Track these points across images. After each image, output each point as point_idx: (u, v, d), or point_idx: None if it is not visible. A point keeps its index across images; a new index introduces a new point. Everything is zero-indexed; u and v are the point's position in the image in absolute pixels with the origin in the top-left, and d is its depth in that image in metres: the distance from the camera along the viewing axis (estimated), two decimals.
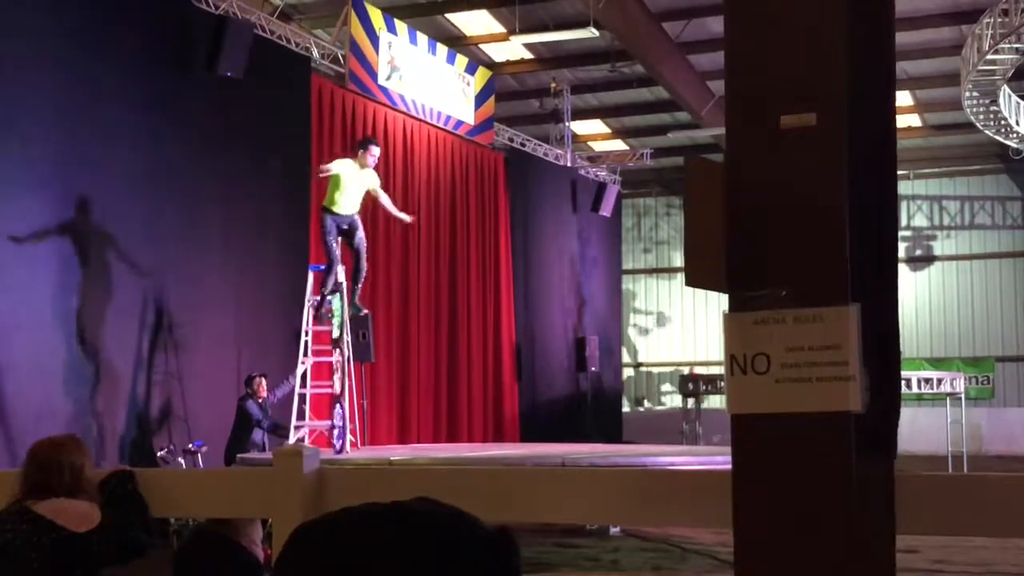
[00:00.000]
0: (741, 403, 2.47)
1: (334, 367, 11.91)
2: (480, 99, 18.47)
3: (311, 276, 12.90)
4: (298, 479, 3.15)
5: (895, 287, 2.60)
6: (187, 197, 12.15)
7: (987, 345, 26.44)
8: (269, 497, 3.26)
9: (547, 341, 20.38)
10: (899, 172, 2.76)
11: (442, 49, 17.51)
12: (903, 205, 26.42)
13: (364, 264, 11.93)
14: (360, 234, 11.69)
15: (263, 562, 3.58)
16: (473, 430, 17.88)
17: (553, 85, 21.09)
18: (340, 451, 11.31)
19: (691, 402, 20.92)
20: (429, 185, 17.12)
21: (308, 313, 12.68)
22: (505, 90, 21.20)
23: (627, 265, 27.15)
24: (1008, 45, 17.12)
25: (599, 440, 18.50)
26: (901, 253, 24.94)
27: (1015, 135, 20.78)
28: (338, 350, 11.90)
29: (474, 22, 19.34)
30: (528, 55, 20.70)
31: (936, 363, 25.26)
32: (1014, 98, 19.98)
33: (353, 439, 12.10)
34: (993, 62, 17.71)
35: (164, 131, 11.84)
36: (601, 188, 22.45)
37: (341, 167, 11.41)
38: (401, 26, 16.40)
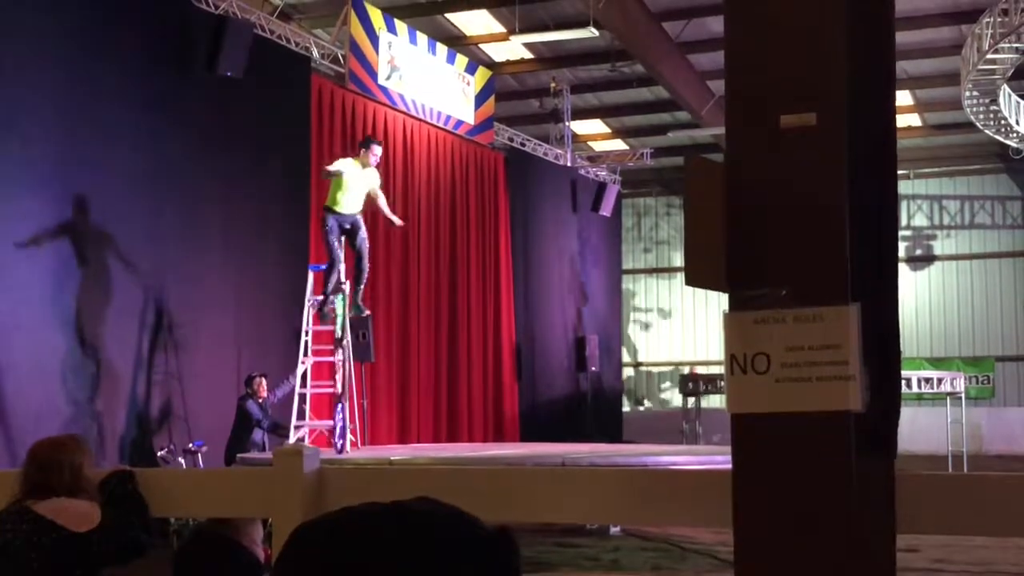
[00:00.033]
0: (741, 402, 2.47)
1: (336, 367, 11.89)
2: (480, 99, 18.47)
3: (311, 276, 12.89)
4: (298, 479, 3.15)
5: (895, 287, 2.60)
6: (187, 197, 12.15)
7: (987, 345, 26.44)
8: (269, 497, 3.26)
9: (547, 341, 20.38)
10: (899, 172, 2.76)
11: (442, 49, 17.51)
12: (903, 205, 26.42)
13: (366, 265, 11.88)
14: (363, 234, 11.64)
15: (264, 562, 3.58)
16: (473, 430, 17.88)
17: (553, 85, 21.08)
18: (341, 451, 11.30)
19: (691, 402, 20.92)
20: (429, 185, 17.12)
21: (308, 313, 12.67)
22: (505, 90, 21.20)
23: (627, 265, 27.15)
24: (1008, 44, 17.12)
25: (599, 440, 18.50)
26: (901, 253, 24.94)
27: (1015, 135, 20.77)
28: (340, 350, 11.88)
29: (474, 22, 19.34)
30: (528, 55, 20.70)
31: (936, 363, 25.26)
32: (1014, 97, 19.98)
33: (353, 439, 12.10)
34: (993, 61, 17.71)
35: (164, 131, 11.84)
36: (601, 188, 22.45)
37: (344, 167, 11.38)
38: (401, 26, 16.40)
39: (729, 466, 2.52)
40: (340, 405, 11.63)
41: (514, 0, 17.50)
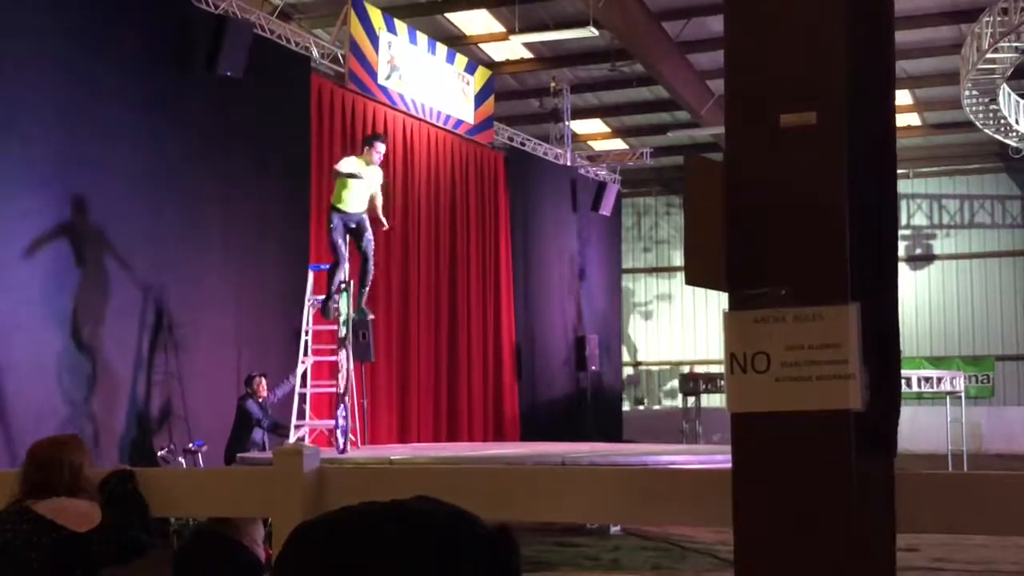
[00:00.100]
0: (741, 402, 2.47)
1: (339, 366, 11.85)
2: (480, 98, 18.47)
3: (311, 276, 12.90)
4: (298, 478, 3.15)
5: (895, 286, 2.60)
6: (187, 197, 12.14)
7: (987, 344, 26.45)
8: (269, 496, 3.26)
9: (547, 340, 20.38)
10: (899, 171, 2.76)
11: (442, 48, 17.51)
12: (903, 204, 26.43)
13: (371, 267, 11.82)
14: (368, 236, 11.57)
15: (264, 562, 3.58)
16: (473, 429, 17.88)
17: (553, 84, 21.08)
18: (343, 450, 11.29)
19: (691, 401, 20.92)
20: (429, 184, 17.12)
21: (308, 313, 12.68)
22: (505, 89, 21.20)
23: (627, 264, 27.15)
24: (1008, 44, 17.12)
25: (599, 439, 18.49)
26: (901, 252, 24.95)
27: (1015, 134, 20.77)
28: (343, 349, 11.84)
29: (474, 21, 19.34)
30: (528, 54, 20.70)
31: (936, 362, 25.27)
32: (1013, 97, 19.98)
33: (353, 438, 12.09)
34: (993, 61, 17.71)
35: (164, 131, 11.84)
36: (601, 187, 22.45)
37: (354, 167, 11.34)
38: (401, 26, 16.40)
39: (729, 465, 2.52)
40: (342, 405, 11.62)
41: (514, 0, 17.50)
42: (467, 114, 18.12)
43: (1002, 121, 20.29)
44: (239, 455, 11.18)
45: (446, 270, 17.55)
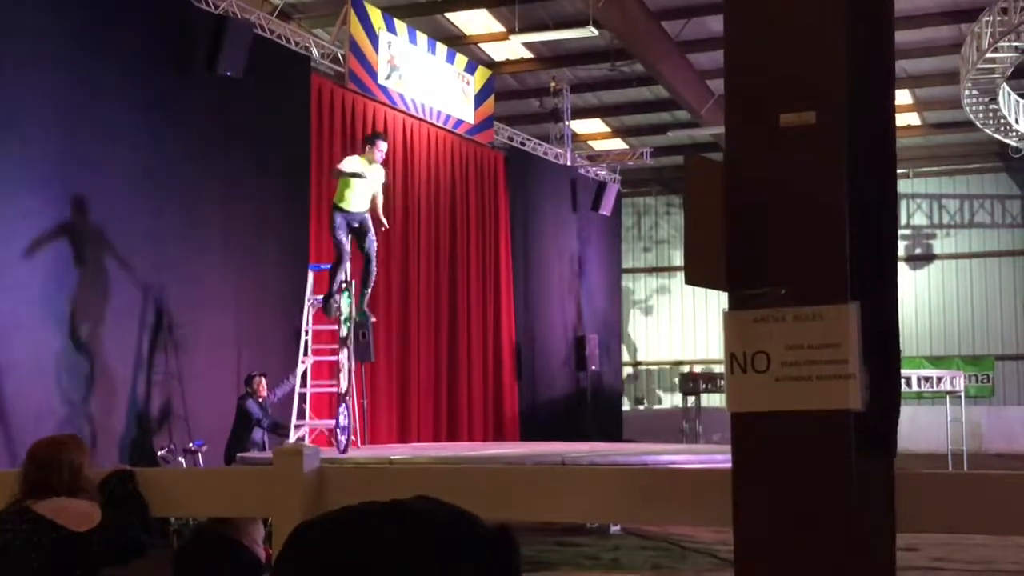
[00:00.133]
0: (741, 401, 2.47)
1: (340, 366, 11.79)
2: (480, 98, 18.47)
3: (311, 276, 12.90)
4: (298, 478, 3.15)
5: (895, 286, 2.60)
6: (187, 197, 12.14)
7: (987, 343, 26.45)
8: (269, 496, 3.26)
9: (547, 340, 20.38)
10: (898, 170, 2.76)
11: (442, 48, 17.51)
12: (902, 203, 26.42)
13: (374, 268, 11.73)
14: (371, 236, 11.46)
15: (264, 561, 3.58)
16: (473, 429, 17.88)
17: (552, 84, 21.07)
18: (344, 450, 11.26)
19: (691, 400, 20.92)
20: (429, 184, 17.12)
21: (308, 312, 12.67)
22: (505, 89, 21.20)
23: (627, 264, 27.14)
24: (1007, 43, 17.12)
25: (599, 439, 18.49)
26: (901, 252, 24.96)
27: (1014, 133, 20.77)
28: (345, 349, 11.77)
29: (474, 21, 19.34)
30: (528, 54, 20.70)
31: (936, 361, 25.27)
32: (1013, 96, 19.98)
33: (353, 438, 12.08)
34: (992, 60, 17.71)
35: (164, 131, 11.84)
36: (601, 187, 22.44)
37: (356, 166, 11.29)
38: (401, 25, 16.40)
39: (729, 465, 2.52)
40: (344, 404, 11.57)
41: (513, 0, 17.50)
42: (467, 114, 18.12)
43: (1002, 121, 20.29)
44: (239, 455, 11.18)
45: (446, 270, 17.55)
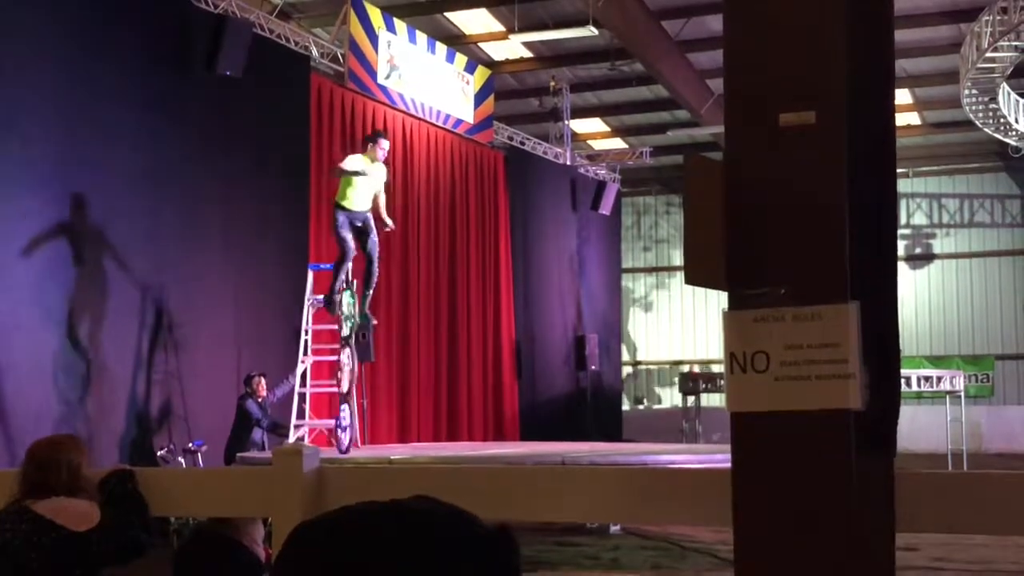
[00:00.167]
0: (741, 401, 2.47)
1: (341, 365, 11.68)
2: (479, 98, 18.47)
3: (311, 275, 12.90)
4: (298, 478, 3.15)
5: (894, 285, 2.60)
6: (187, 197, 12.14)
7: (987, 343, 26.45)
8: (269, 496, 3.26)
9: (547, 340, 20.38)
10: (898, 170, 2.76)
11: (441, 48, 17.51)
12: (902, 203, 26.43)
13: (376, 269, 11.61)
14: (374, 237, 11.37)
15: (264, 561, 3.58)
16: (473, 429, 17.88)
17: (552, 83, 21.07)
18: (346, 450, 11.23)
19: (691, 400, 20.93)
20: (428, 184, 17.12)
21: (308, 312, 12.66)
22: (504, 89, 21.19)
23: (627, 263, 27.14)
24: (1007, 43, 17.12)
25: (599, 439, 18.49)
26: (900, 251, 24.96)
27: (1014, 133, 20.77)
28: (347, 349, 11.65)
29: (473, 21, 19.34)
30: (527, 53, 20.69)
31: (936, 361, 25.27)
32: (1013, 96, 19.98)
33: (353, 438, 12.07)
34: (992, 60, 17.71)
35: (164, 130, 11.84)
36: (601, 186, 22.44)
37: (358, 165, 11.24)
38: (400, 25, 16.40)
39: (729, 465, 2.52)
40: (347, 404, 11.49)
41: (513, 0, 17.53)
42: (467, 113, 18.12)
43: (1002, 120, 20.28)
44: (239, 455, 11.18)
45: (446, 269, 17.55)
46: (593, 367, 21.42)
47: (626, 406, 26.59)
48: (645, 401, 28.69)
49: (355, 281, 11.78)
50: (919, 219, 27.20)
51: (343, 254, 11.42)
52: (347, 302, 11.58)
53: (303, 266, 13.25)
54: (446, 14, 18.84)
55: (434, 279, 17.21)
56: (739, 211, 2.48)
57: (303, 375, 12.60)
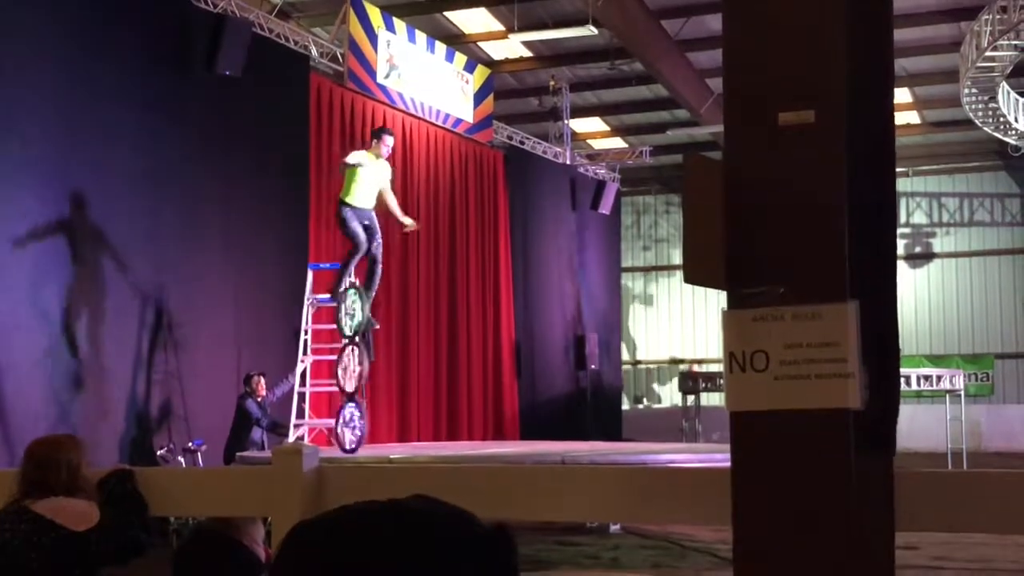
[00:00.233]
0: (740, 400, 2.47)
1: (345, 364, 11.43)
2: (479, 97, 18.47)
3: (310, 275, 12.89)
4: (297, 477, 3.15)
5: (894, 284, 2.60)
6: (187, 196, 12.14)
7: (986, 342, 26.45)
8: (268, 496, 3.26)
9: (547, 339, 20.38)
10: (898, 169, 2.76)
11: (441, 47, 17.51)
12: (902, 202, 26.43)
13: (380, 270, 11.43)
14: (379, 239, 11.23)
15: (264, 561, 3.57)
16: (473, 428, 17.88)
17: (552, 83, 21.07)
18: (353, 449, 11.13)
19: (691, 399, 20.93)
20: (428, 183, 17.12)
21: (308, 312, 12.65)
22: (504, 88, 21.19)
23: (626, 263, 27.14)
24: (1007, 42, 17.12)
25: (599, 438, 18.50)
26: (900, 250, 24.96)
27: (1014, 132, 20.77)
28: (354, 349, 11.39)
29: (473, 20, 19.33)
30: (527, 53, 20.69)
31: (935, 360, 25.27)
32: (1013, 95, 19.97)
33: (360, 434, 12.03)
34: (992, 59, 17.71)
35: (163, 130, 11.84)
36: (600, 186, 22.44)
37: (361, 158, 11.15)
38: (400, 24, 16.39)
39: (728, 464, 2.52)
40: (354, 403, 11.34)
41: None
42: (466, 113, 18.12)
43: (1001, 119, 20.28)
44: (238, 454, 11.17)
45: (445, 269, 17.55)
46: (593, 366, 21.42)
47: (626, 405, 26.59)
48: (645, 400, 28.70)
49: (357, 280, 11.74)
50: (919, 218, 27.21)
51: (355, 247, 11.16)
52: (354, 302, 11.39)
53: (303, 266, 13.25)
54: (445, 13, 18.84)
55: (434, 278, 17.21)
56: (738, 210, 2.48)
57: (303, 374, 12.59)
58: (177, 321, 11.94)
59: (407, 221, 11.83)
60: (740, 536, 2.48)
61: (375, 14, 15.69)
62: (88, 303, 11.04)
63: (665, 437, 19.24)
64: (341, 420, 11.32)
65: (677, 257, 27.20)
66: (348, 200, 11.05)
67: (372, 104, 15.78)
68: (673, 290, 28.41)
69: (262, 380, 11.78)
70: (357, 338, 11.36)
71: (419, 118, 16.87)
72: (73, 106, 10.85)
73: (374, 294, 11.69)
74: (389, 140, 11.34)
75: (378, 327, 12.39)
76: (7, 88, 10.20)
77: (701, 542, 10.23)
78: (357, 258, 11.24)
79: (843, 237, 2.38)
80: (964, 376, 19.45)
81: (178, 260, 11.99)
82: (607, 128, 25.24)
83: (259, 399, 11.70)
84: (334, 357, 11.88)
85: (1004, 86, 19.23)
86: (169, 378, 11.85)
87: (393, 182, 11.77)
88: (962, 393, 18.43)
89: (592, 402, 21.47)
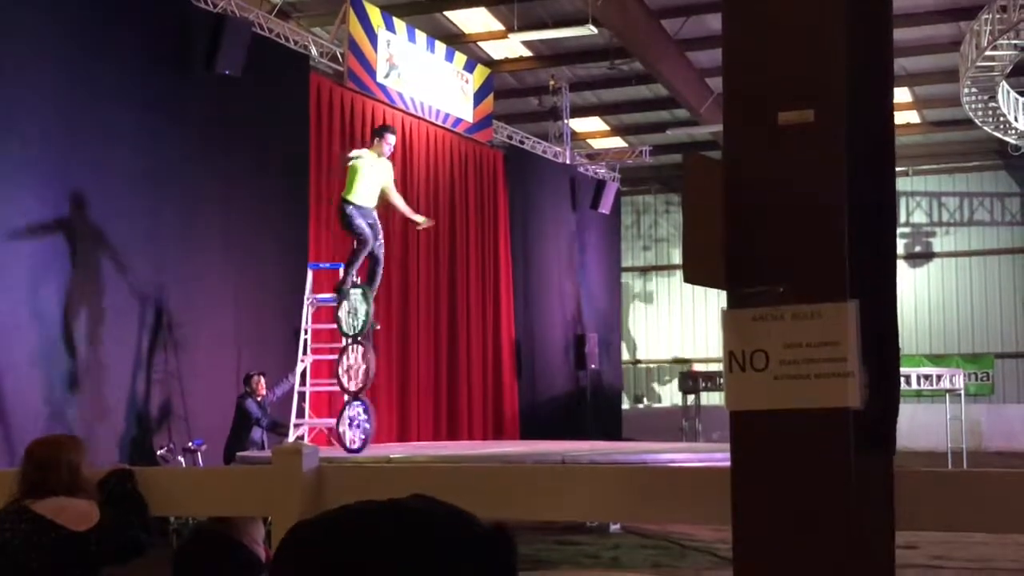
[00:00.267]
0: (740, 400, 2.47)
1: (350, 364, 11.33)
2: (479, 97, 18.47)
3: (310, 274, 12.89)
4: (297, 477, 3.15)
5: (894, 284, 2.60)
6: (187, 196, 12.14)
7: (986, 341, 26.45)
8: (268, 495, 3.26)
9: (547, 338, 20.38)
10: (898, 168, 2.76)
11: (440, 47, 17.51)
12: (902, 201, 26.43)
13: (381, 270, 11.33)
14: (381, 239, 11.15)
15: (264, 561, 3.57)
16: (473, 427, 17.88)
17: (552, 82, 21.07)
18: (359, 449, 11.07)
19: (691, 399, 20.93)
20: (428, 183, 17.12)
21: (307, 311, 12.65)
22: (504, 88, 21.19)
23: (626, 262, 27.15)
24: (1006, 41, 17.11)
25: (599, 437, 18.50)
26: (900, 249, 24.96)
27: (1014, 131, 20.77)
28: (359, 347, 11.36)
29: (473, 20, 19.33)
30: (527, 52, 20.69)
31: (935, 359, 25.27)
32: (1012, 94, 19.97)
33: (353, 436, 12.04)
34: (992, 58, 17.71)
35: (163, 130, 11.84)
36: (600, 185, 22.44)
37: (361, 153, 11.09)
38: (399, 24, 16.39)
39: (728, 463, 2.52)
40: (361, 402, 11.27)
41: None
42: (466, 112, 18.12)
43: (1001, 119, 20.28)
44: (238, 454, 11.17)
45: (445, 269, 17.55)
46: (593, 366, 21.42)
47: (626, 405, 26.59)
48: (645, 400, 28.70)
49: (359, 278, 11.71)
50: (919, 217, 27.20)
51: (361, 243, 11.00)
52: (357, 299, 11.30)
53: (302, 265, 13.25)
54: (445, 13, 18.84)
55: (434, 278, 17.21)
56: (738, 210, 2.48)
57: (303, 374, 12.59)
58: (177, 321, 11.94)
59: (419, 219, 11.75)
60: (740, 536, 2.48)
61: (375, 14, 15.69)
62: (88, 303, 11.04)
63: (665, 437, 19.23)
64: (345, 419, 11.26)
65: (677, 257, 27.20)
66: (351, 198, 10.96)
67: (372, 104, 15.78)
68: (673, 290, 28.42)
69: (262, 380, 11.78)
70: (360, 337, 11.32)
71: (419, 118, 16.87)
72: (73, 106, 10.86)
73: (375, 294, 11.65)
74: (391, 138, 11.26)
75: (379, 327, 12.37)
76: (7, 88, 10.20)
77: (701, 541, 10.23)
78: (363, 254, 11.11)
79: (843, 236, 2.37)
80: (964, 375, 19.44)
81: (178, 260, 11.99)
82: (607, 128, 25.23)
83: (259, 399, 11.71)
84: (334, 357, 11.87)
85: (1004, 85, 19.23)
86: (169, 378, 11.85)
87: (396, 182, 11.72)
88: (962, 392, 18.43)
89: (592, 402, 21.48)
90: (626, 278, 27.44)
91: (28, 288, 10.41)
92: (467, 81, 18.18)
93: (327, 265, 13.18)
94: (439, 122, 17.36)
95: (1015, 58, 17.82)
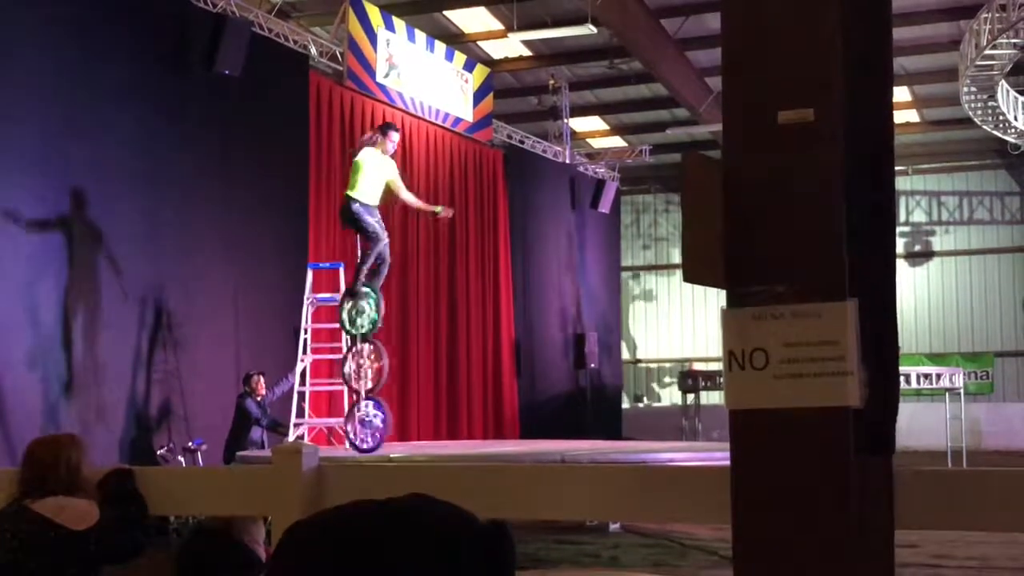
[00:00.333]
0: (739, 399, 2.47)
1: (360, 363, 11.14)
2: (478, 96, 18.47)
3: (310, 274, 12.89)
4: (297, 477, 3.15)
5: (893, 284, 2.60)
6: (186, 196, 12.14)
7: (986, 340, 26.45)
8: (268, 495, 3.26)
9: (546, 338, 20.38)
10: (897, 168, 2.76)
11: (440, 46, 17.51)
12: (901, 201, 26.43)
13: (385, 270, 11.16)
14: (386, 239, 10.95)
15: (264, 561, 3.58)
16: (473, 427, 17.88)
17: (551, 82, 21.07)
18: (372, 449, 10.97)
19: (690, 398, 20.93)
20: (428, 182, 17.11)
21: (307, 311, 12.65)
22: (503, 87, 21.19)
23: (626, 262, 27.15)
24: (1006, 40, 17.11)
25: (598, 436, 18.50)
26: (900, 249, 24.97)
27: (1013, 130, 20.77)
28: (367, 345, 11.15)
29: (472, 19, 19.33)
30: (526, 52, 20.69)
31: (935, 359, 25.27)
32: (1012, 93, 19.97)
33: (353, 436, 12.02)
34: (991, 57, 17.71)
35: (163, 130, 11.84)
36: (600, 185, 22.45)
37: (363, 153, 11.04)
38: (399, 23, 16.39)
39: (728, 462, 2.52)
40: (375, 402, 11.16)
41: None
42: (466, 112, 18.12)
43: (1001, 118, 20.28)
44: (238, 453, 11.16)
45: (445, 268, 17.56)
46: (592, 365, 21.42)
47: (626, 404, 26.60)
48: (645, 399, 28.70)
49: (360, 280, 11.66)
50: (918, 216, 27.21)
51: (374, 240, 10.79)
52: (369, 299, 11.18)
53: (302, 265, 13.25)
54: (445, 12, 18.83)
55: (434, 277, 17.21)
56: (737, 209, 2.48)
57: (302, 374, 12.59)
58: (177, 321, 11.95)
59: (436, 208, 11.54)
60: (740, 535, 2.48)
61: (374, 13, 15.69)
62: (87, 302, 11.04)
63: (665, 436, 19.25)
64: (355, 418, 11.06)
65: (677, 256, 27.20)
66: (355, 195, 10.77)
67: (372, 103, 15.79)
68: (673, 289, 28.42)
69: (262, 379, 11.78)
70: (369, 336, 11.21)
71: (418, 117, 16.87)
72: (73, 106, 10.86)
73: None
74: (394, 136, 11.11)
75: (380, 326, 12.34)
76: (7, 88, 10.20)
77: (701, 540, 10.23)
78: (375, 252, 10.87)
79: (842, 235, 2.37)
80: (964, 374, 19.45)
81: (177, 259, 11.99)
82: (606, 127, 25.23)
83: (259, 398, 11.71)
84: (334, 356, 11.85)
85: (1003, 84, 19.22)
86: (169, 378, 11.85)
87: (403, 177, 11.61)
88: (962, 391, 18.44)
89: (592, 401, 21.48)
90: (626, 277, 27.44)
91: (27, 287, 10.41)
92: (467, 81, 18.18)
93: (327, 265, 13.18)
94: (439, 122, 17.36)
95: (1014, 57, 17.82)
